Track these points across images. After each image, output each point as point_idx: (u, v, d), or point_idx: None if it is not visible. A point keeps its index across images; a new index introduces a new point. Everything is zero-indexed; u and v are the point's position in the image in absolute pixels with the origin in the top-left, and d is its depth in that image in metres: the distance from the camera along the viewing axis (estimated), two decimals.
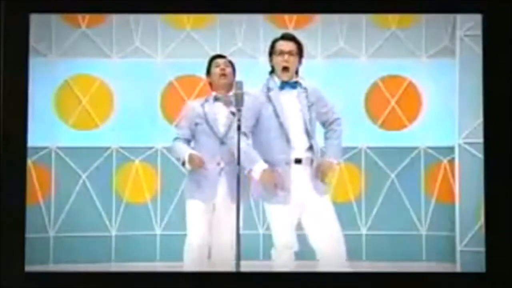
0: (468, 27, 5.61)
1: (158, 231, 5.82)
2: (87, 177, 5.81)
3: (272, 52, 4.34)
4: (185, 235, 4.51)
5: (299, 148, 4.21)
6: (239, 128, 3.99)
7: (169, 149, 5.30)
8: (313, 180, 4.21)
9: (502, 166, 4.33)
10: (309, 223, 4.20)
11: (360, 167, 5.88)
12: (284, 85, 4.29)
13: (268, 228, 4.38)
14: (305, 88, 4.31)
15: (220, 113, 4.55)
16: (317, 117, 4.34)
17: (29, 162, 4.98)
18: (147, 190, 5.87)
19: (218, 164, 4.48)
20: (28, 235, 4.32)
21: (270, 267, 4.28)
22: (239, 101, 4.01)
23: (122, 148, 5.88)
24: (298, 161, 4.21)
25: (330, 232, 4.15)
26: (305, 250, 4.22)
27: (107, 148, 5.86)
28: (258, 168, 4.14)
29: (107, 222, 5.80)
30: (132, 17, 5.85)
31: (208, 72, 4.68)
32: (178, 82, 5.92)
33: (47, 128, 5.70)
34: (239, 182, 3.96)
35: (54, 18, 5.72)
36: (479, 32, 4.52)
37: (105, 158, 5.84)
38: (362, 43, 5.93)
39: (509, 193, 4.30)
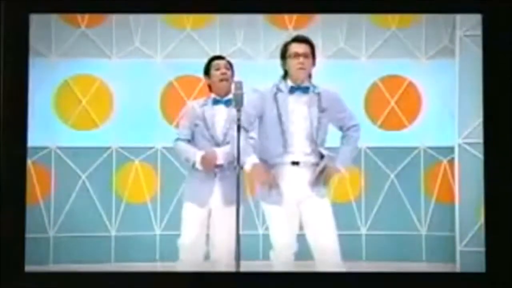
0: (468, 27, 5.61)
1: (157, 231, 5.82)
2: (87, 177, 5.80)
3: (285, 55, 4.26)
4: None
5: (298, 153, 4.17)
6: (238, 128, 3.95)
7: (169, 150, 5.31)
8: (314, 182, 4.17)
9: (502, 166, 4.32)
10: (306, 224, 4.18)
11: (360, 167, 5.87)
12: (294, 89, 4.22)
13: (267, 229, 4.37)
14: (318, 93, 4.23)
15: (219, 116, 4.55)
16: (333, 122, 4.28)
17: (29, 162, 4.97)
18: (147, 190, 5.87)
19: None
20: (28, 235, 4.32)
21: (270, 267, 4.28)
22: (238, 101, 3.99)
23: (122, 148, 5.87)
24: (295, 163, 4.18)
25: (325, 233, 4.12)
26: (305, 250, 4.21)
27: (107, 148, 5.86)
28: (249, 161, 4.11)
29: (107, 222, 5.79)
30: (132, 17, 5.85)
31: (207, 73, 4.65)
32: (178, 82, 5.92)
33: (47, 128, 5.70)
34: (239, 182, 3.95)
35: (54, 18, 5.72)
36: (479, 32, 4.51)
37: (105, 158, 5.84)
38: (362, 43, 5.93)
39: (509, 193, 4.29)
